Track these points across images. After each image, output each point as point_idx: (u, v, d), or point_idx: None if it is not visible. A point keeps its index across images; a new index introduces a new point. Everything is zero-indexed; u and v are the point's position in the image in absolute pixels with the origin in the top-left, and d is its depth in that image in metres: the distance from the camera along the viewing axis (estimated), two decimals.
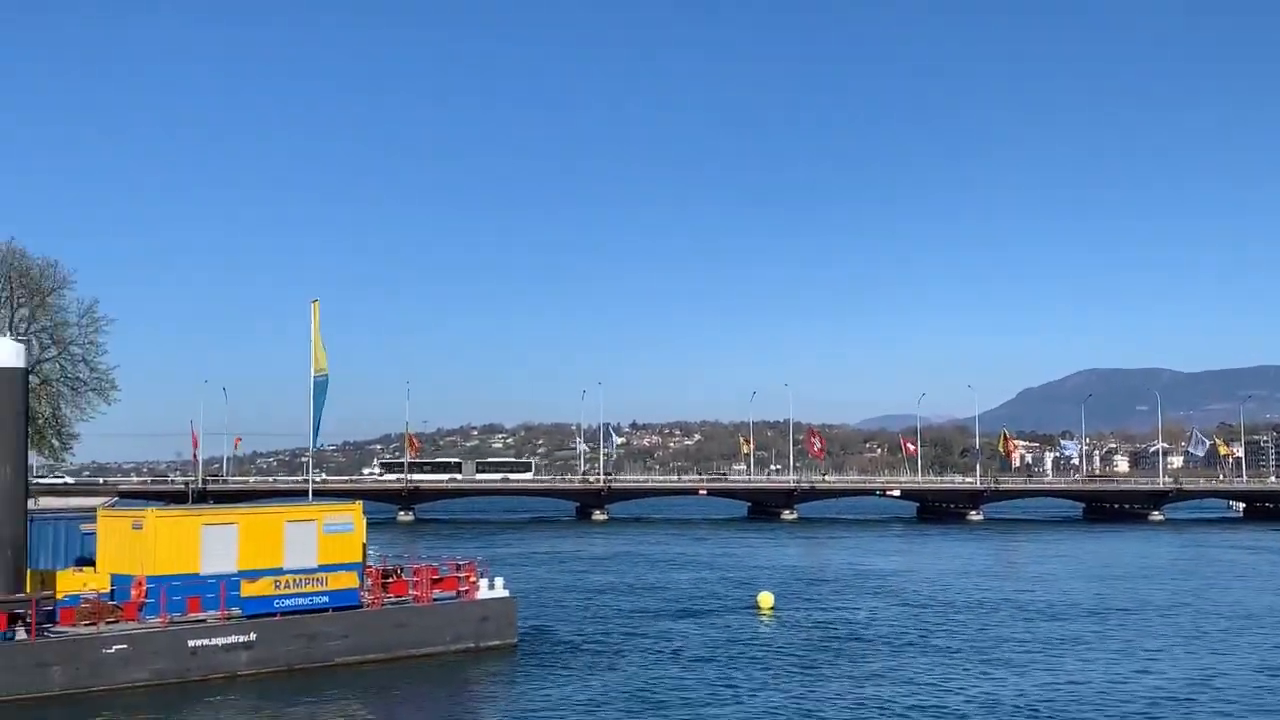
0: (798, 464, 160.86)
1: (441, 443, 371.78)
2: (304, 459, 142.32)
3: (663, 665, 33.37)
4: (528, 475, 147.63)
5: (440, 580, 36.14)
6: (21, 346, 31.25)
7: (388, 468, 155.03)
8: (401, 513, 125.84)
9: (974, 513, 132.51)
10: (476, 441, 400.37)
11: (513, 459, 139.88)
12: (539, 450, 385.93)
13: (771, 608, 46.63)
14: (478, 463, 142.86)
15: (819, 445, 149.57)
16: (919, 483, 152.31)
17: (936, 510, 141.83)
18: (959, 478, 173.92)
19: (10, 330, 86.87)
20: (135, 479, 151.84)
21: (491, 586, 36.72)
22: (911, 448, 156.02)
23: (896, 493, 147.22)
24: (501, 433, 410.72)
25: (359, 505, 35.78)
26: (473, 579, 36.49)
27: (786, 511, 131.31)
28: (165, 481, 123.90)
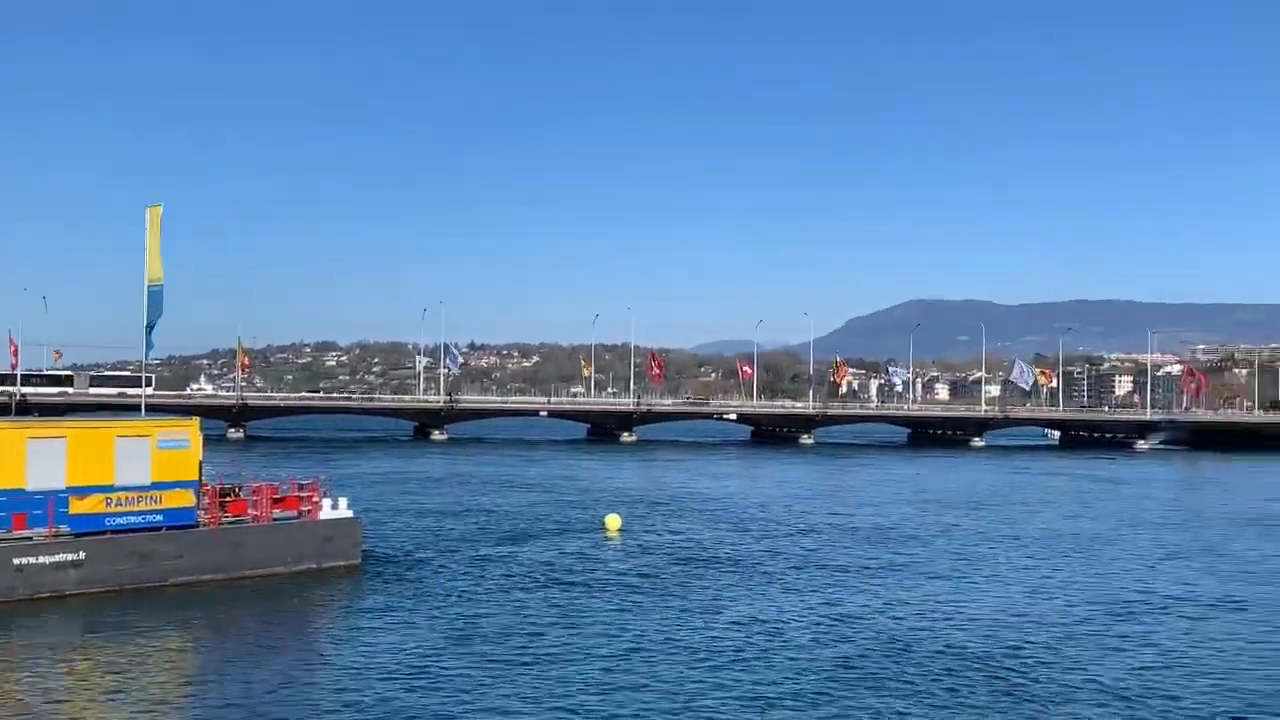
0: (636, 387, 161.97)
1: (273, 359, 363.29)
2: (127, 373, 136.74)
3: (509, 587, 33.18)
4: (149, 390, 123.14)
5: (281, 500, 35.23)
6: None
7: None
8: (232, 429, 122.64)
9: (806, 437, 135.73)
10: (309, 359, 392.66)
11: (129, 373, 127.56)
12: (375, 369, 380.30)
13: (619, 530, 46.89)
14: (91, 376, 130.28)
15: (658, 369, 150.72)
16: (755, 407, 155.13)
17: (770, 434, 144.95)
18: (789, 402, 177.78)
19: None
20: None
21: (335, 507, 35.95)
22: (749, 371, 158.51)
23: (733, 416, 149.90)
24: (336, 350, 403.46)
25: (196, 421, 34.45)
26: (315, 499, 35.65)
27: (626, 434, 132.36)
28: (122, 397, 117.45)
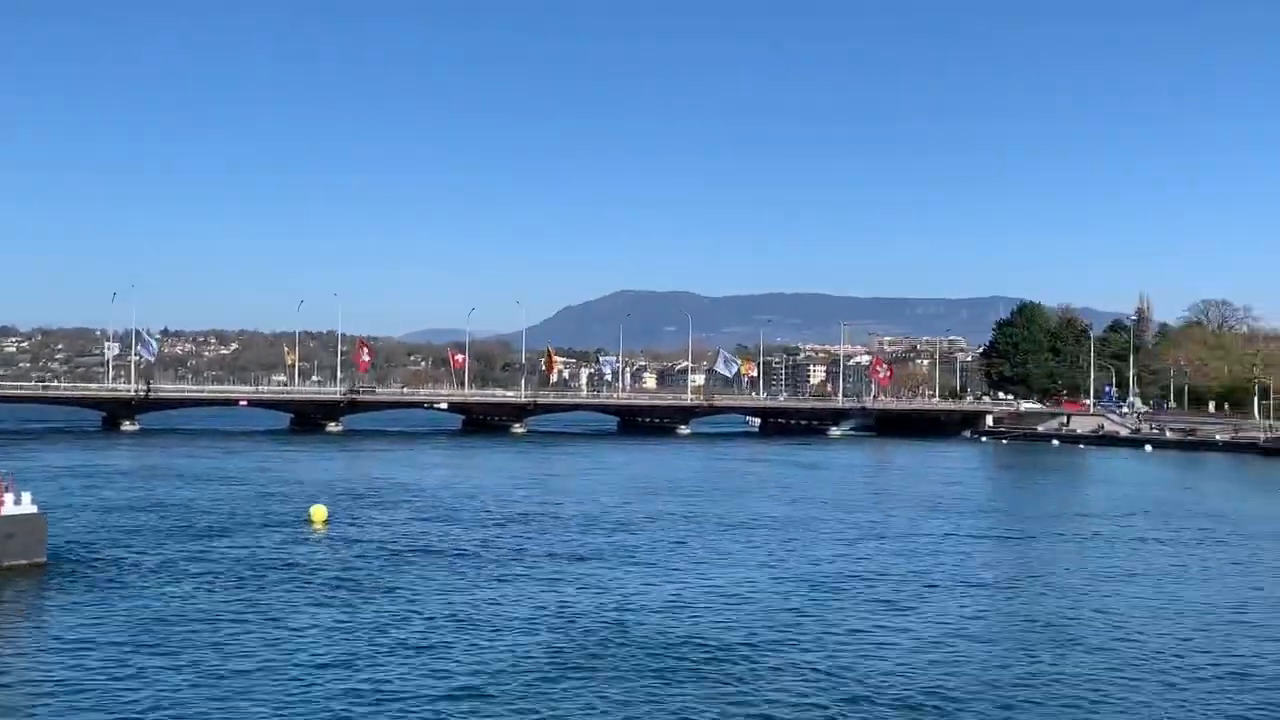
0: (343, 375, 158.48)
1: None
2: None
3: (207, 585, 31.83)
4: None
5: None
6: None
7: None
8: None
9: (518, 425, 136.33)
10: None
11: None
12: (58, 356, 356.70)
13: (324, 522, 45.82)
14: None
15: (368, 357, 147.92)
16: (466, 396, 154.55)
17: (482, 423, 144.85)
18: (501, 391, 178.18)
19: None
20: None
21: (18, 501, 33.56)
22: (460, 359, 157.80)
23: (444, 405, 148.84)
24: (15, 335, 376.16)
25: None
26: None
27: (332, 424, 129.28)
28: None
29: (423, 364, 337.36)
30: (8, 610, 28.69)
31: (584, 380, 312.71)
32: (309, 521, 45.91)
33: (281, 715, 20.02)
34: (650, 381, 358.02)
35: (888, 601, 31.49)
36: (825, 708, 21.10)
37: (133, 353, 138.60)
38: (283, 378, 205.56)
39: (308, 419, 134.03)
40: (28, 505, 33.79)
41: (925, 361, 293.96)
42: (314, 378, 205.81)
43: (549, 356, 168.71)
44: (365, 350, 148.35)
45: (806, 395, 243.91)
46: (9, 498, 33.47)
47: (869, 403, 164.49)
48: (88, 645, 24.63)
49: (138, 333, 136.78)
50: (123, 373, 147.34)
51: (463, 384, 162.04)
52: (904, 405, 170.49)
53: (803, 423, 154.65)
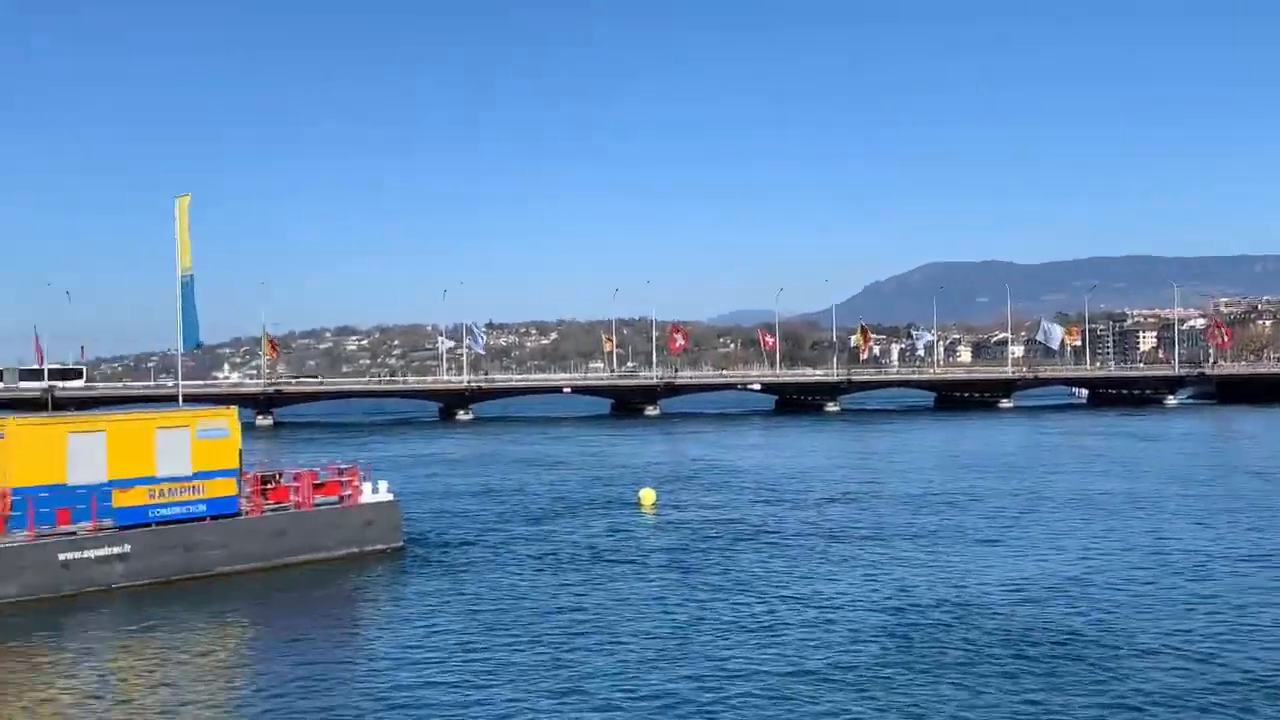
0: (657, 360, 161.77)
1: (294, 345, 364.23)
2: (149, 364, 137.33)
3: (549, 568, 33.07)
4: (78, 382, 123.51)
5: (322, 485, 35.21)
6: None
7: None
8: (260, 417, 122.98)
9: (832, 404, 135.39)
10: (330, 344, 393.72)
11: (60, 366, 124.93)
12: (395, 351, 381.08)
13: (653, 504, 46.79)
14: (20, 370, 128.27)
15: (681, 341, 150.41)
16: (779, 376, 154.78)
17: (795, 403, 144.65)
18: (812, 370, 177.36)
19: None
20: None
21: (375, 491, 35.93)
22: (770, 341, 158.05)
23: (757, 386, 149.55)
24: (356, 334, 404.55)
25: (233, 410, 34.53)
26: (355, 483, 35.63)
27: (650, 408, 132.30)
28: (15, 390, 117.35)
29: (732, 346, 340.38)
30: (373, 591, 30.72)
31: (895, 356, 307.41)
32: (638, 504, 46.97)
33: (624, 692, 20.46)
34: (965, 355, 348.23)
35: (1255, 584, 29.22)
36: (1200, 697, 19.70)
37: (463, 346, 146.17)
38: (600, 364, 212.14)
39: (627, 403, 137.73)
40: (384, 493, 36.11)
41: (1269, 322, 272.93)
42: (629, 363, 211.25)
43: (863, 333, 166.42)
44: (679, 335, 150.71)
45: (1137, 363, 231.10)
46: (367, 486, 35.85)
47: (1207, 368, 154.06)
48: (444, 623, 26.05)
49: (467, 327, 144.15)
50: (453, 365, 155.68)
51: (773, 364, 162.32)
52: (1248, 370, 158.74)
53: (1134, 392, 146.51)
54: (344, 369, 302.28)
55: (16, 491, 29.35)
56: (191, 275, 38.43)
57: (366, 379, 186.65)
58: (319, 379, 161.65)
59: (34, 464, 29.83)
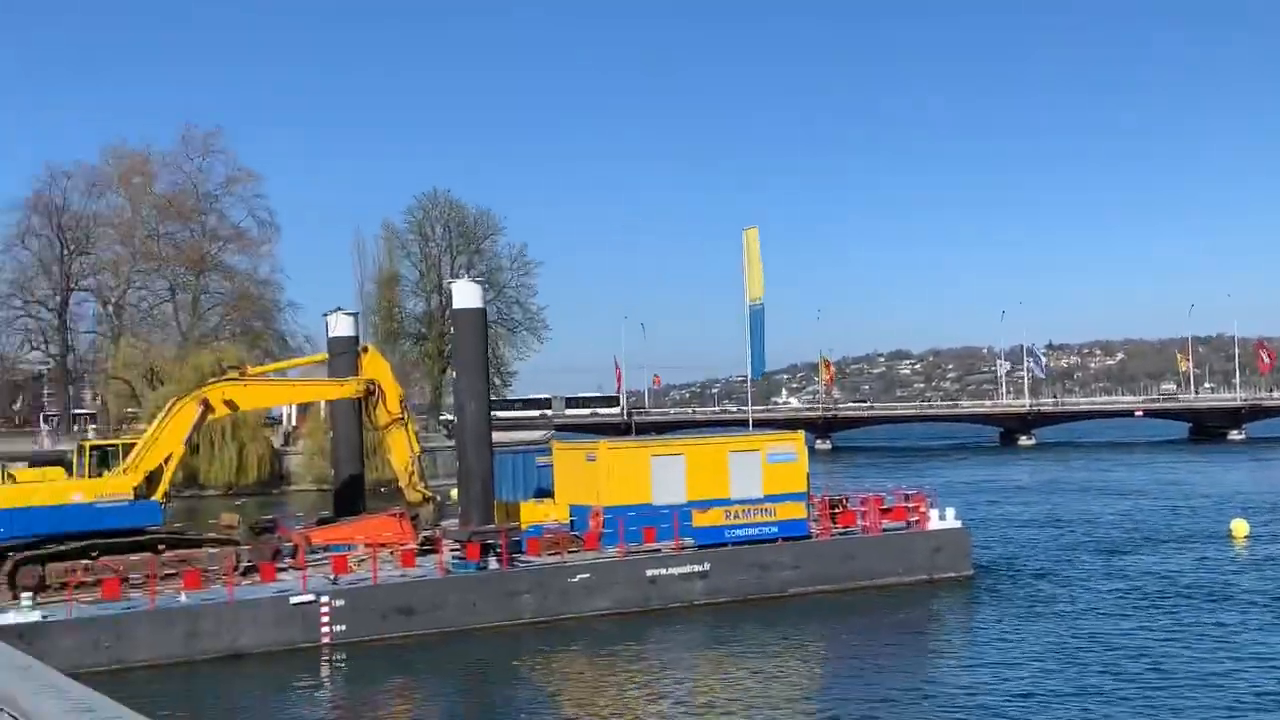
0: (1240, 380, 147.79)
1: (848, 370, 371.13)
2: (713, 390, 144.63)
3: (1126, 603, 30.68)
4: (615, 410, 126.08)
5: (889, 510, 35.06)
6: (480, 288, 32.53)
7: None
8: (819, 441, 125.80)
9: None
10: (883, 368, 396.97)
11: (598, 394, 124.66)
12: (949, 375, 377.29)
13: (1245, 536, 42.41)
14: (567, 399, 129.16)
15: (1268, 360, 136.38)
16: None
17: None
18: None
19: (453, 275, 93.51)
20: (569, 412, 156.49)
21: (943, 517, 35.23)
22: None
23: None
24: (909, 358, 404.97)
25: (801, 435, 35.28)
26: (923, 509, 35.14)
27: (1233, 432, 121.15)
28: (594, 417, 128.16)
29: None
30: (944, 619, 30.08)
31: None
32: (1229, 536, 42.76)
33: None
34: None
35: None
36: None
37: (1023, 368, 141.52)
38: (1172, 385, 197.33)
39: (1206, 427, 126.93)
40: (952, 520, 35.30)
41: None
42: (1206, 384, 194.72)
43: None
44: (1265, 353, 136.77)
45: None
46: (934, 513, 35.22)
47: None
48: (1019, 658, 24.81)
49: (1027, 348, 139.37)
50: (1011, 388, 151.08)
51: None
52: None
53: None
54: (898, 392, 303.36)
55: (608, 510, 31.56)
56: (761, 304, 39.78)
57: (918, 403, 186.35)
58: (869, 404, 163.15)
59: (623, 485, 31.96)
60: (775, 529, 32.70)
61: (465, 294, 31.55)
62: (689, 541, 31.64)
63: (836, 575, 32.80)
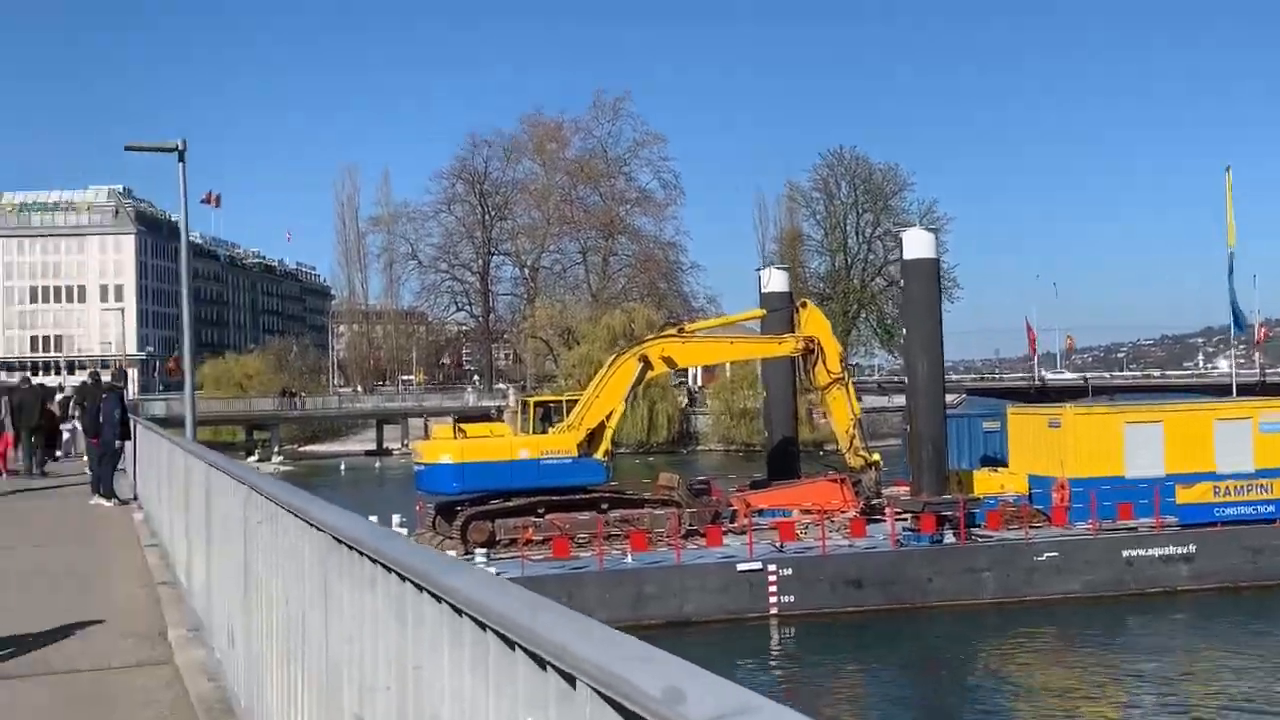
0: None
1: (1273, 332, 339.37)
2: (1119, 354, 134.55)
3: None
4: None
5: None
6: (933, 236, 30.16)
7: None
8: None
9: None
10: None
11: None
12: None
13: None
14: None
15: None
16: None
17: None
18: None
19: (857, 234, 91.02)
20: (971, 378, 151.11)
21: None
22: None
23: None
24: None
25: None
26: None
27: None
28: (996, 379, 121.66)
29: None
30: None
31: None
32: None
33: None
34: None
35: None
36: None
37: None
38: None
39: None
40: None
41: None
42: None
43: None
44: None
45: None
46: None
47: None
48: None
49: None
50: None
51: None
52: None
53: None
54: None
55: (1075, 483, 28.48)
56: (1232, 251, 35.17)
57: None
58: None
59: (1093, 455, 28.75)
60: (1272, 508, 28.56)
61: (917, 242, 29.24)
62: (1171, 520, 28.07)
63: None
